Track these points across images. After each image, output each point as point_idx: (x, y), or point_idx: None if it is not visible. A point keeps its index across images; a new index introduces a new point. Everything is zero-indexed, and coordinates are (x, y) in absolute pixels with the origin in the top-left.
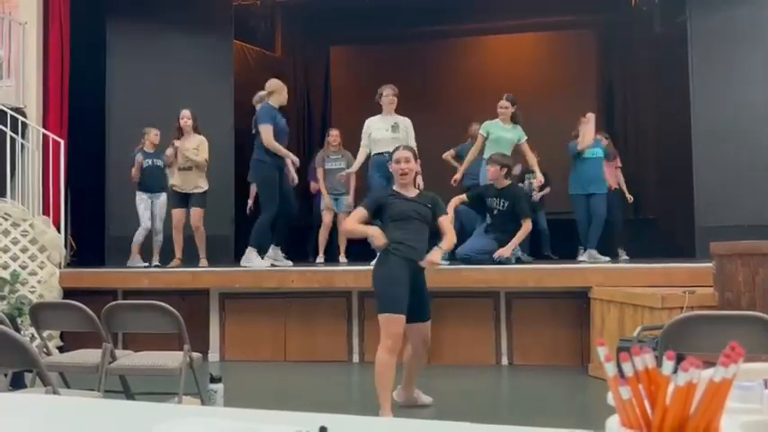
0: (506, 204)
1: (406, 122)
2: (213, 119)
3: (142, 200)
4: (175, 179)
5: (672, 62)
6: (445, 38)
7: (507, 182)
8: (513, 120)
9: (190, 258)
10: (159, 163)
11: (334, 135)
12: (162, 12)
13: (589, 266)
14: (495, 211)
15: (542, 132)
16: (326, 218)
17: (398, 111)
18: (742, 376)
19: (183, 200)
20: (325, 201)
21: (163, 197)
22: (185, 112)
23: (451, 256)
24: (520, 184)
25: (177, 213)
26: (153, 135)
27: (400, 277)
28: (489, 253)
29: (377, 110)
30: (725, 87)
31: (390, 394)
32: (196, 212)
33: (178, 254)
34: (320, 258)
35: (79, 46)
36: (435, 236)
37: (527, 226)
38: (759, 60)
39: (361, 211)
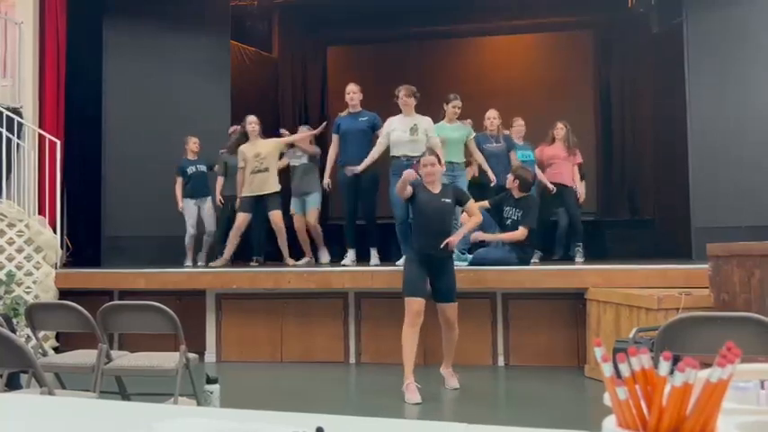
0: (519, 214)
1: (425, 123)
2: (210, 119)
3: (188, 205)
4: (247, 183)
5: (669, 63)
6: (442, 38)
7: (523, 193)
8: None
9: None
10: (203, 168)
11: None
12: (159, 11)
13: (585, 267)
14: (509, 221)
15: (539, 133)
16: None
17: (393, 110)
18: (738, 377)
19: (252, 204)
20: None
21: (208, 201)
22: (251, 118)
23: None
24: None
25: (243, 217)
26: (192, 143)
27: (417, 269)
28: (504, 264)
29: (374, 109)
30: (721, 88)
31: (412, 363)
32: (275, 214)
33: (227, 254)
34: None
35: (76, 46)
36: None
37: (520, 232)
38: (755, 61)
39: (408, 189)
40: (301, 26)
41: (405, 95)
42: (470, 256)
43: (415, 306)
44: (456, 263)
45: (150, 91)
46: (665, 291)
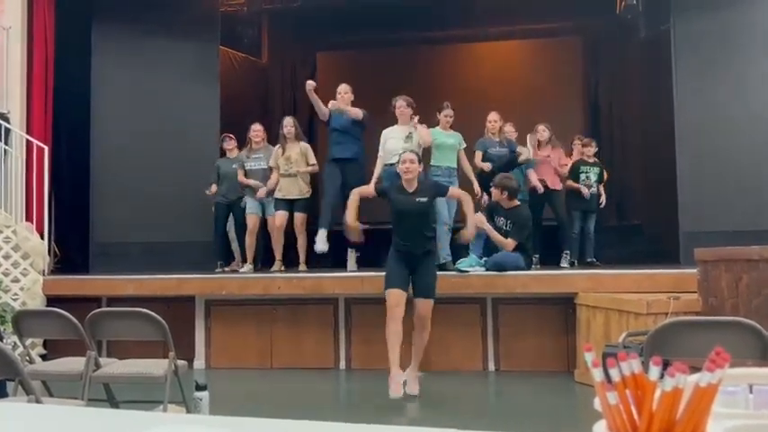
0: (512, 226)
1: (421, 132)
2: (199, 125)
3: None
4: (280, 185)
5: (656, 68)
6: (432, 44)
7: (514, 203)
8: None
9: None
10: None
11: (255, 131)
12: (148, 17)
13: (575, 272)
14: (502, 231)
15: (526, 136)
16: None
17: (385, 117)
18: (727, 381)
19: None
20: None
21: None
22: (288, 120)
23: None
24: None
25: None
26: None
27: (397, 264)
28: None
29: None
30: (709, 94)
31: (397, 356)
32: (299, 217)
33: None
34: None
35: (64, 51)
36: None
37: (508, 243)
38: (742, 67)
39: (369, 188)
40: (291, 32)
41: (400, 107)
42: (486, 259)
43: (392, 298)
44: (474, 268)
45: (139, 97)
46: (654, 295)
